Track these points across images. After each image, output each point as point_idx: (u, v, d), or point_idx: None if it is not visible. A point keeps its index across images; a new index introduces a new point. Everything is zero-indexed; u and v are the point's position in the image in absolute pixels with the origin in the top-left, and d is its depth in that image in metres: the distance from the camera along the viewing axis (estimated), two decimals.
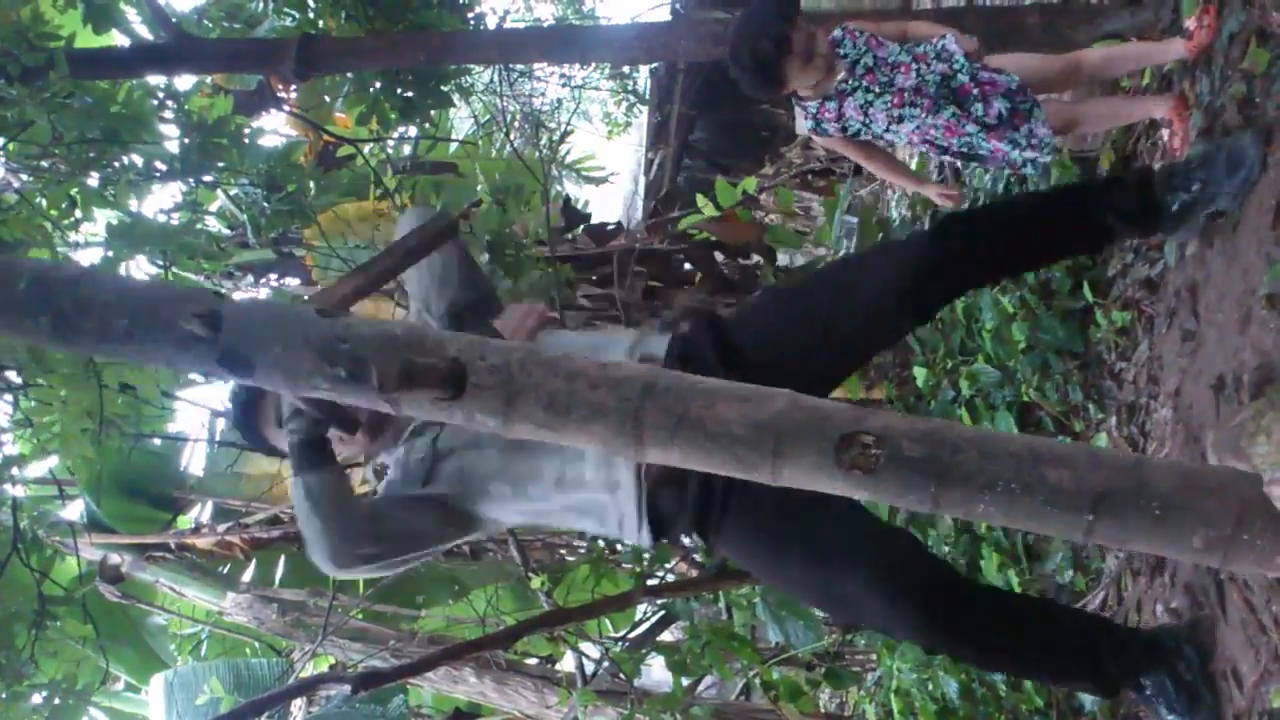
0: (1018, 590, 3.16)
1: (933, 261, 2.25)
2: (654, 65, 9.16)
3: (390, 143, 6.53)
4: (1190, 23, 2.74)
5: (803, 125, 2.99)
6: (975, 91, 2.79)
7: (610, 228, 6.15)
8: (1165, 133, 2.90)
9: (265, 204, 4.08)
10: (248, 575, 6.58)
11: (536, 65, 9.91)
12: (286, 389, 1.51)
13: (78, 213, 3.77)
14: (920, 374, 4.02)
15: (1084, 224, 2.40)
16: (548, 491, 2.22)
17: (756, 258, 5.77)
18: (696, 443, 1.39)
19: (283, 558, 6.59)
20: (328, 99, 6.20)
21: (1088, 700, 2.74)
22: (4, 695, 3.95)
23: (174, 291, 1.59)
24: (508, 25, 9.63)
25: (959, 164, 5.12)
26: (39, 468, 5.22)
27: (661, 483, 2.17)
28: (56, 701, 4.08)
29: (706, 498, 2.18)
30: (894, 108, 2.84)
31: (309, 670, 5.76)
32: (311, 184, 4.32)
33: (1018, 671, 2.45)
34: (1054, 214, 2.43)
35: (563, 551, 5.96)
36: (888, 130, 2.89)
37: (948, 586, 2.18)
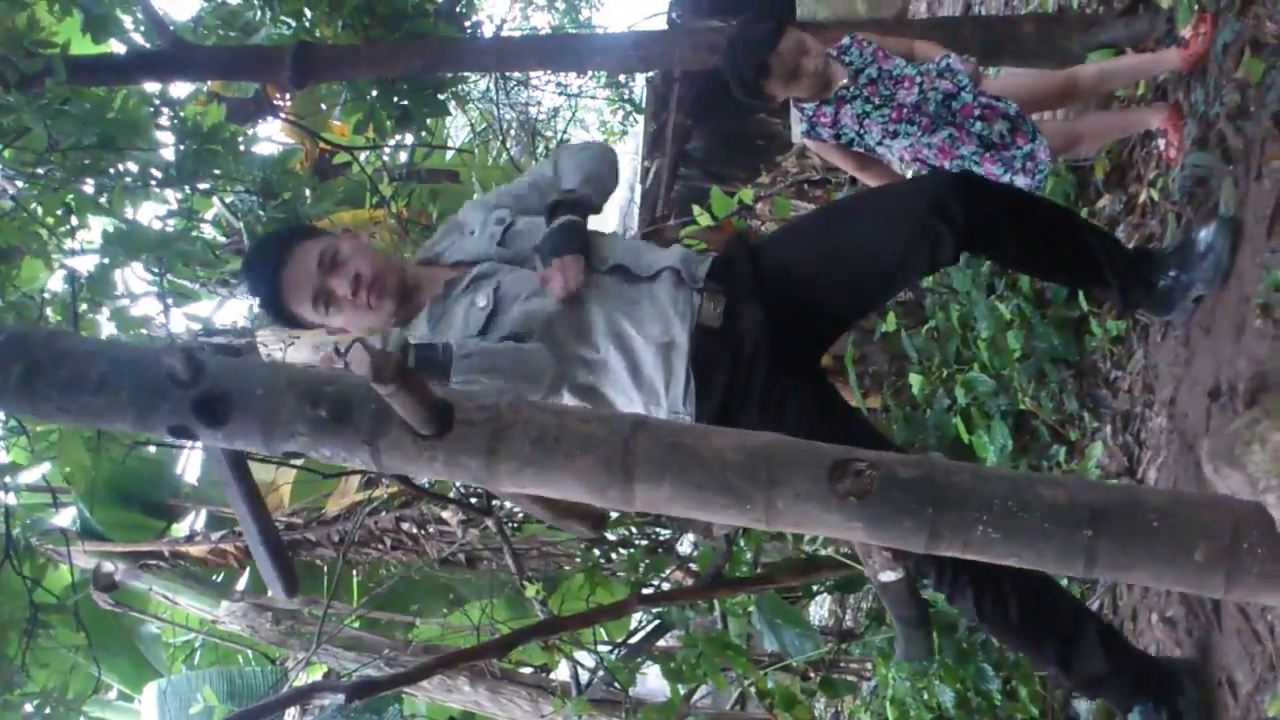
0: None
1: (958, 194, 2.22)
2: (650, 74, 9.17)
3: (387, 150, 6.53)
4: (1186, 31, 2.75)
5: (797, 130, 2.99)
6: (978, 111, 2.79)
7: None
8: (1161, 142, 2.91)
9: (261, 211, 4.07)
10: (242, 583, 6.56)
11: (533, 74, 9.93)
12: (260, 437, 1.42)
13: (73, 220, 3.76)
14: (915, 382, 4.02)
15: (1086, 252, 2.42)
16: (604, 342, 2.26)
17: None
18: (688, 474, 1.37)
19: None
20: (324, 107, 6.21)
21: (1082, 709, 2.74)
22: None
23: (157, 347, 1.54)
24: (504, 34, 9.63)
25: None
26: (32, 474, 5.20)
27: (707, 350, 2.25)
28: (48, 710, 4.07)
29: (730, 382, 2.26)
30: (891, 122, 2.84)
31: (303, 679, 5.73)
32: (307, 191, 4.32)
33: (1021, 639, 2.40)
34: (1069, 228, 2.44)
35: (558, 560, 5.95)
36: (880, 143, 2.90)
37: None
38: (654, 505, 1.41)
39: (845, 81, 2.84)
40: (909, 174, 3.19)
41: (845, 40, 2.90)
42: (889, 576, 1.53)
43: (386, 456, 1.41)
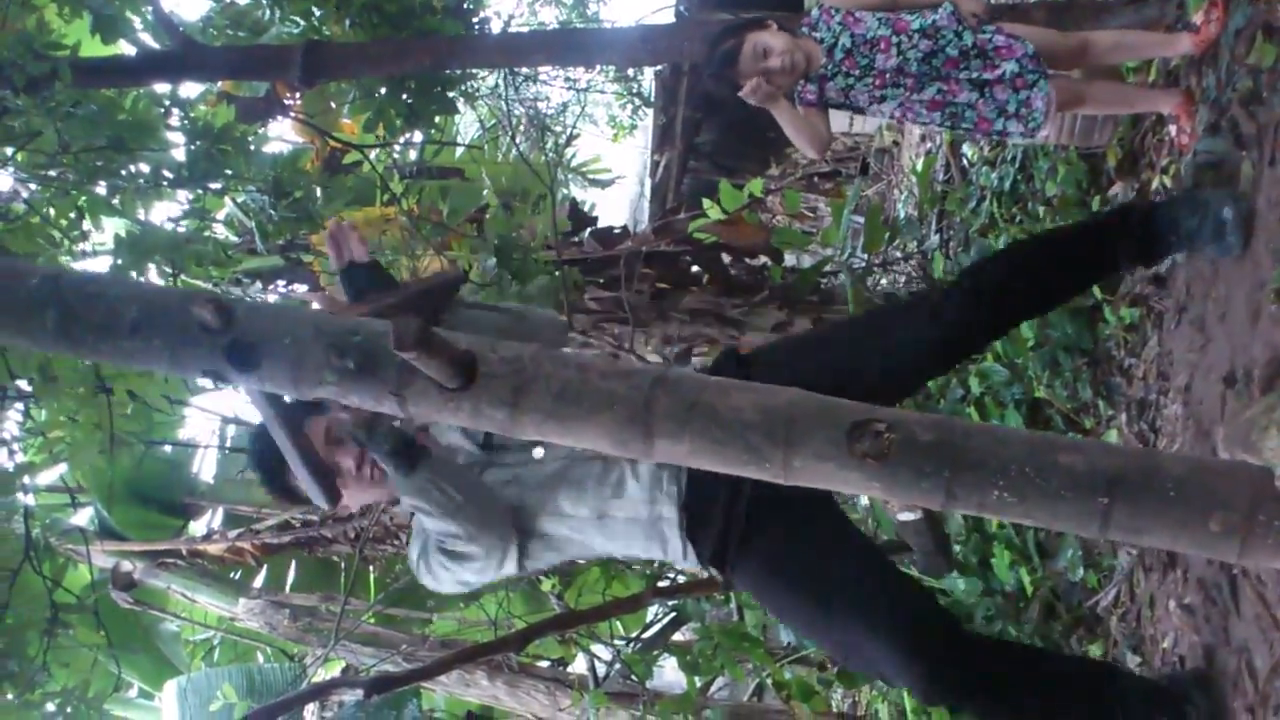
0: (1030, 590, 3.16)
1: (968, 324, 2.28)
2: (659, 68, 9.16)
3: (396, 148, 6.54)
4: (1198, 17, 2.74)
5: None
6: (970, 61, 2.74)
7: (616, 231, 6.14)
8: (1172, 128, 2.90)
9: (272, 211, 4.08)
10: (259, 581, 6.60)
11: (541, 69, 9.93)
12: (290, 385, 1.46)
13: (86, 222, 3.78)
14: None
15: (1099, 263, 2.46)
16: (584, 524, 2.23)
17: (764, 259, 5.77)
18: (708, 431, 1.37)
19: (294, 563, 6.60)
20: (334, 105, 6.22)
21: None
22: (17, 703, 3.97)
23: (186, 291, 1.58)
24: (512, 30, 9.63)
25: (964, 163, 5.12)
26: (50, 475, 5.24)
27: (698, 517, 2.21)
28: (69, 709, 4.09)
29: (726, 531, 2.20)
30: (876, 89, 2.79)
31: (321, 675, 5.77)
32: (318, 190, 4.32)
33: None
34: (1074, 255, 2.46)
35: None
36: (869, 109, 2.87)
37: (952, 640, 2.17)
38: (673, 459, 1.42)
39: (823, 60, 2.78)
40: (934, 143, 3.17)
41: (814, 13, 2.83)
42: (908, 516, 1.54)
43: (413, 405, 1.43)
